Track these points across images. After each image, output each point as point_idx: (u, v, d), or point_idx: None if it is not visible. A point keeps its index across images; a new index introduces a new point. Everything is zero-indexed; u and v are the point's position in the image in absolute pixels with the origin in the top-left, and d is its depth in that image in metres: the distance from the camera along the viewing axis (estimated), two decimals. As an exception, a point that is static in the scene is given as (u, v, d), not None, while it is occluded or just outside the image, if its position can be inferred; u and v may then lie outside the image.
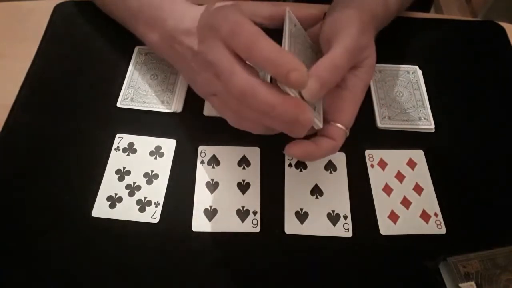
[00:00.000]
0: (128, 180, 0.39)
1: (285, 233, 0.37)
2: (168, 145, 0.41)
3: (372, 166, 0.41)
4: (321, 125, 0.34)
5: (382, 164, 0.41)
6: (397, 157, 0.41)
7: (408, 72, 0.47)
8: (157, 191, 0.38)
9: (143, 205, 0.38)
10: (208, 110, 0.43)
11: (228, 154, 0.41)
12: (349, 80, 0.36)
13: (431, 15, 0.56)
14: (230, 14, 0.31)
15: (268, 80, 0.32)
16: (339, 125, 0.35)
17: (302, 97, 0.31)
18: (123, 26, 0.48)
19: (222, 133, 0.42)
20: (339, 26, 0.36)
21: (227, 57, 0.31)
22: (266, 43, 0.29)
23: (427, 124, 0.43)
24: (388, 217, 0.38)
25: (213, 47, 0.32)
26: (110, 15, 0.47)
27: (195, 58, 0.35)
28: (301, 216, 0.38)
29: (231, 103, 0.32)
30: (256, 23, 0.31)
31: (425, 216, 0.38)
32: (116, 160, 0.40)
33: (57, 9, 0.50)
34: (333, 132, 0.35)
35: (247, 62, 0.31)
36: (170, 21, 0.37)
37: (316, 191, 0.39)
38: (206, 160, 0.40)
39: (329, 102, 0.36)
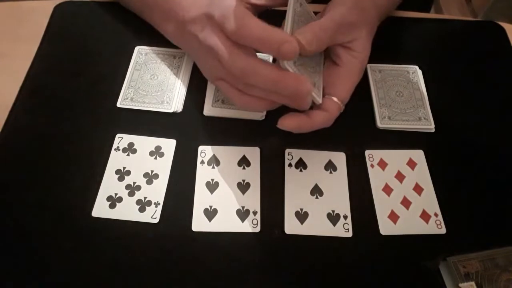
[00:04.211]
0: (128, 180, 0.39)
1: (285, 233, 0.37)
2: (168, 145, 0.41)
3: (372, 166, 0.41)
4: (320, 101, 0.36)
5: (382, 164, 0.41)
6: (397, 157, 0.41)
7: (408, 72, 0.47)
8: (157, 191, 0.38)
9: (143, 205, 0.38)
10: (208, 110, 0.43)
11: (228, 154, 0.41)
12: (344, 57, 0.38)
13: (431, 15, 0.56)
14: (225, 0, 0.33)
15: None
16: (333, 98, 0.37)
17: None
18: (123, 26, 0.48)
19: (222, 133, 0.42)
20: (332, 5, 0.38)
21: (222, 40, 0.33)
22: (254, 23, 0.31)
23: (427, 124, 0.43)
24: (388, 217, 0.38)
25: (211, 33, 0.34)
26: (127, 7, 0.48)
27: (200, 45, 0.37)
28: (301, 216, 0.38)
29: (235, 84, 0.35)
30: (260, 5, 0.36)
31: (425, 216, 0.38)
32: (116, 160, 0.40)
33: (57, 9, 0.50)
34: (327, 104, 0.37)
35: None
36: (181, 12, 0.39)
37: (316, 191, 0.39)
38: (206, 160, 0.40)
39: (326, 78, 0.39)
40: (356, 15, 0.38)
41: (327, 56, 0.40)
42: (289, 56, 0.31)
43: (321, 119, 0.36)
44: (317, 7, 0.45)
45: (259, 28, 0.31)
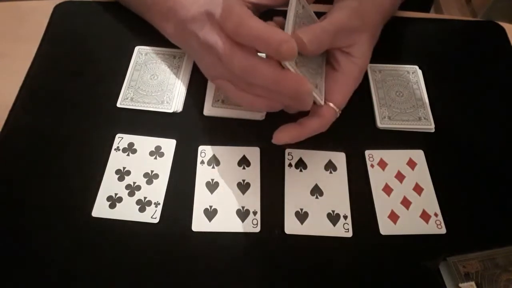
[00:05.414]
0: (128, 180, 0.39)
1: (285, 233, 0.37)
2: (168, 145, 0.41)
3: (372, 166, 0.41)
4: (322, 102, 0.36)
5: (382, 164, 0.41)
6: (397, 157, 0.41)
7: (408, 72, 0.47)
8: (157, 191, 0.38)
9: (143, 205, 0.38)
10: (208, 110, 0.43)
11: (228, 154, 0.41)
12: (342, 62, 0.38)
13: (431, 15, 0.56)
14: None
15: None
16: (329, 103, 0.37)
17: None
18: (123, 26, 0.48)
19: (222, 133, 0.42)
20: (334, 9, 0.38)
21: (223, 39, 0.33)
22: (254, 22, 0.30)
23: (427, 124, 0.43)
24: (388, 217, 0.38)
25: (211, 31, 0.34)
26: (127, 7, 0.49)
27: (200, 44, 0.37)
28: (301, 216, 0.38)
29: (235, 82, 0.35)
30: (261, 5, 0.36)
31: (425, 216, 0.38)
32: (116, 160, 0.40)
33: (57, 9, 0.50)
34: (321, 110, 0.37)
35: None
36: (181, 11, 0.39)
37: (316, 191, 0.39)
38: (206, 160, 0.40)
39: (324, 83, 0.38)
40: (357, 19, 0.38)
41: (326, 61, 0.39)
42: (287, 56, 0.30)
43: (315, 126, 0.36)
44: (319, 7, 0.45)
45: (259, 27, 0.30)
